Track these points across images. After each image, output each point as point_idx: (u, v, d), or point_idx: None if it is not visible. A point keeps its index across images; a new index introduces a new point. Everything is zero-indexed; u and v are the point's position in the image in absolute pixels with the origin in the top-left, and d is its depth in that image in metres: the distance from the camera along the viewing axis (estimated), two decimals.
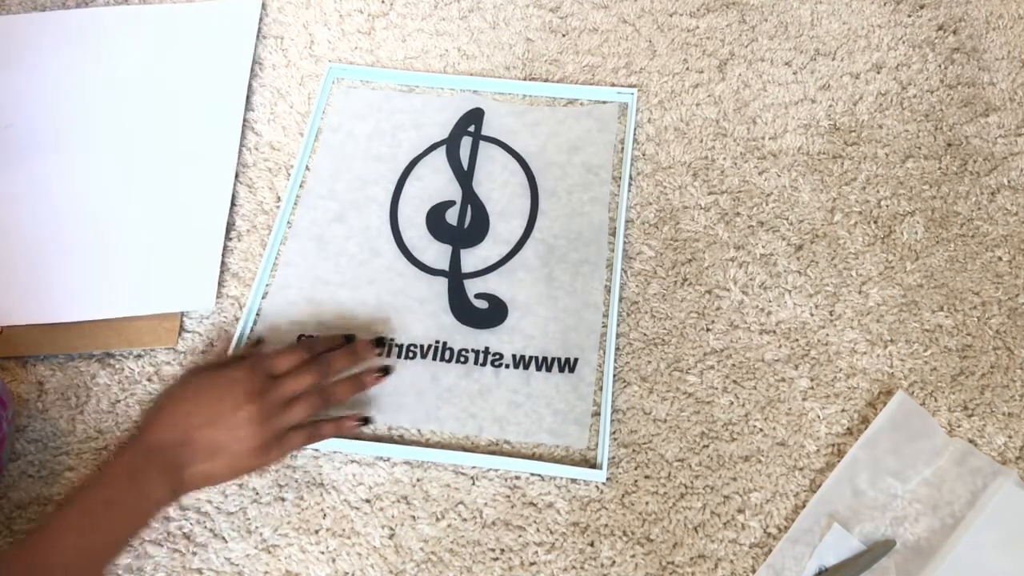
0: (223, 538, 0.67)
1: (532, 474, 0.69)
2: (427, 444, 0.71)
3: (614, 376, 0.73)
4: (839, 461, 0.68)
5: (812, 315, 0.76)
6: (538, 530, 0.67)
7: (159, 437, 0.60)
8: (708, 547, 0.66)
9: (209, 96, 0.88)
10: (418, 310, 0.77)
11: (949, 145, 0.85)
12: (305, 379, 0.67)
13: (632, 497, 0.68)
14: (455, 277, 0.79)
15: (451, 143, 0.87)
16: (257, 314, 0.77)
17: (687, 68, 0.91)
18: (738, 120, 0.87)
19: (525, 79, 0.90)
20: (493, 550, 0.66)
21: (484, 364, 0.74)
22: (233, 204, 0.83)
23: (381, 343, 0.74)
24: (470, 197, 0.83)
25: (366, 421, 0.71)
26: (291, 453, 0.68)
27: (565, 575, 0.65)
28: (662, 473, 0.69)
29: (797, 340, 0.75)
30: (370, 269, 0.80)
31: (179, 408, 0.62)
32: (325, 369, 0.69)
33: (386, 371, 0.72)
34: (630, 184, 0.83)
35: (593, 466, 0.69)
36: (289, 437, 0.65)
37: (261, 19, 0.96)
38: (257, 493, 0.69)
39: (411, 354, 0.75)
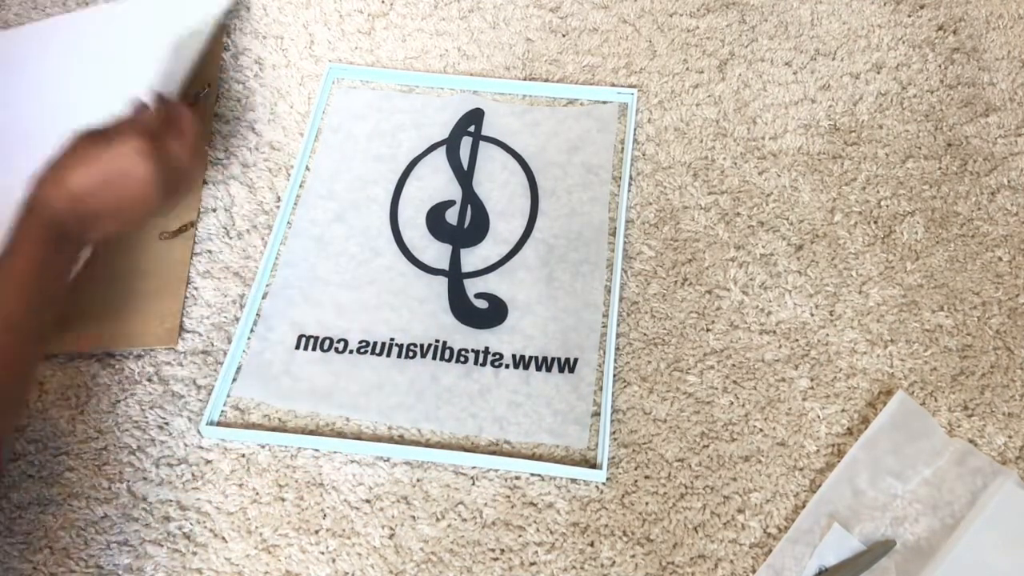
0: (223, 538, 0.67)
1: (532, 474, 0.69)
2: (427, 444, 0.71)
3: (614, 376, 0.73)
4: (839, 461, 0.68)
5: (812, 315, 0.76)
6: (538, 530, 0.67)
7: (52, 204, 0.63)
8: (708, 547, 0.66)
9: None
10: (418, 310, 0.77)
11: (949, 145, 0.85)
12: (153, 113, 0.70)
13: (632, 497, 0.68)
14: (455, 277, 0.79)
15: (451, 143, 0.87)
16: (258, 314, 0.77)
17: (687, 68, 0.91)
18: (738, 120, 0.87)
19: (525, 79, 0.90)
20: (493, 550, 0.66)
21: (484, 364, 0.74)
22: (233, 204, 0.83)
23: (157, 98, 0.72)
24: (470, 197, 0.83)
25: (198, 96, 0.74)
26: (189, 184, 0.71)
27: (565, 575, 0.65)
28: (662, 473, 0.69)
29: (797, 340, 0.75)
30: (370, 269, 0.80)
31: (72, 175, 0.64)
32: (168, 109, 0.71)
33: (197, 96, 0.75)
34: (630, 184, 0.83)
35: (593, 466, 0.69)
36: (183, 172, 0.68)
37: (260, 19, 0.96)
38: (257, 493, 0.69)
39: (411, 354, 0.75)
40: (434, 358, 0.75)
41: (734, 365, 0.74)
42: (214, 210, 0.83)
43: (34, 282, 0.61)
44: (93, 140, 0.65)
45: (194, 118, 0.71)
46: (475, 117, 0.88)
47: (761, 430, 0.71)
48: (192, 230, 0.81)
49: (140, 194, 0.65)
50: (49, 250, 0.62)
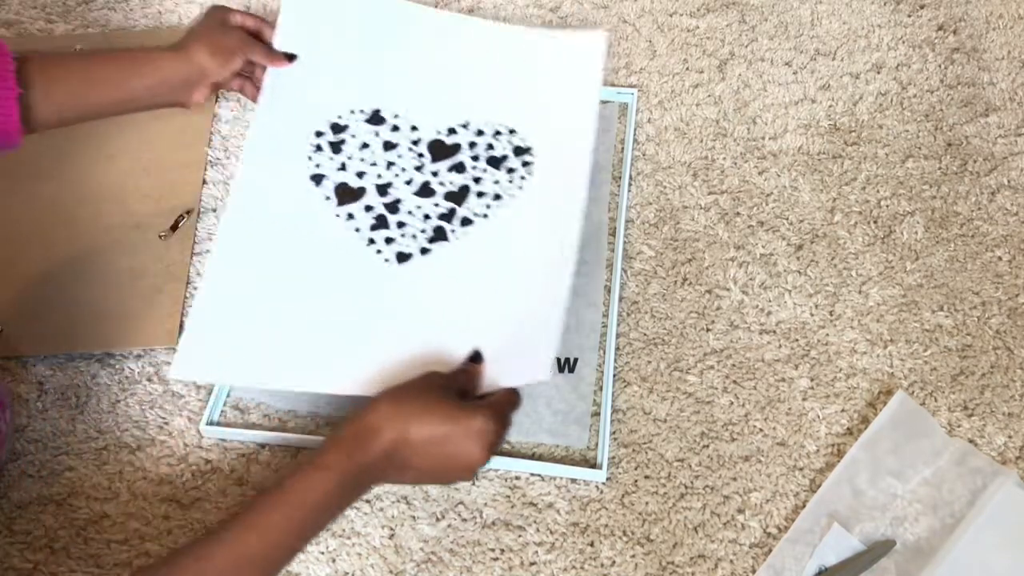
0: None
1: (532, 474, 0.69)
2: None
3: (614, 376, 0.73)
4: (839, 461, 0.68)
5: (812, 315, 0.76)
6: (538, 530, 0.67)
7: (376, 465, 0.58)
8: (708, 547, 0.66)
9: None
10: None
11: (949, 145, 0.85)
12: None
13: (632, 497, 0.68)
14: None
15: None
16: None
17: (687, 68, 0.91)
18: (738, 120, 0.87)
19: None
20: (493, 550, 0.66)
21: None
22: None
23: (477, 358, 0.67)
24: None
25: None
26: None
27: (565, 575, 0.65)
28: (662, 473, 0.69)
29: (797, 340, 0.75)
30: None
31: (415, 423, 0.58)
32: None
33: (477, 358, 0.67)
34: (630, 184, 0.83)
35: (593, 466, 0.69)
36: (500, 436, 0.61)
37: None
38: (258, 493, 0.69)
39: None
40: None
41: (734, 365, 0.74)
42: (214, 210, 0.83)
43: (312, 514, 0.55)
44: (448, 397, 0.60)
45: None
46: None
47: (761, 430, 0.71)
48: (188, 220, 0.81)
49: (463, 473, 0.60)
50: (346, 483, 0.56)
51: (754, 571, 0.65)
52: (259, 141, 0.78)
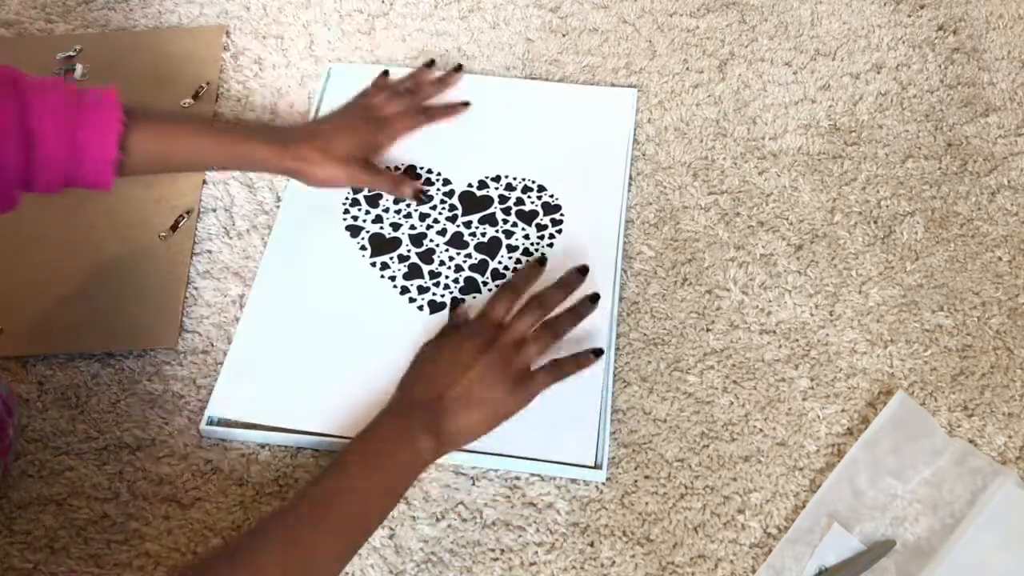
0: (223, 538, 0.67)
1: (532, 474, 0.69)
2: None
3: (614, 376, 0.73)
4: (839, 461, 0.68)
5: (812, 315, 0.76)
6: (538, 530, 0.67)
7: (415, 396, 0.64)
8: (708, 547, 0.66)
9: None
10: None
11: (949, 145, 0.85)
12: (527, 319, 0.68)
13: (632, 497, 0.68)
14: None
15: None
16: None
17: (687, 68, 0.91)
18: (738, 120, 0.87)
19: (525, 79, 0.90)
20: (493, 550, 0.66)
21: None
22: (233, 204, 0.83)
23: (584, 270, 0.73)
24: None
25: (599, 353, 0.71)
26: (540, 392, 0.67)
27: (565, 575, 0.65)
28: (662, 473, 0.69)
29: (797, 340, 0.75)
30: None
31: (425, 370, 0.65)
32: (545, 306, 0.70)
33: (595, 298, 0.72)
34: (630, 184, 0.83)
35: (593, 466, 0.69)
36: (535, 378, 0.67)
37: (260, 19, 0.96)
38: (257, 493, 0.69)
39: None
40: None
41: (734, 365, 0.74)
42: (214, 210, 0.83)
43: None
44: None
45: (570, 318, 0.71)
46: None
47: (761, 430, 0.71)
48: (188, 220, 0.81)
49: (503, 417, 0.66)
50: (405, 437, 0.61)
51: (754, 571, 0.65)
52: (297, 194, 0.82)
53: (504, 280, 0.74)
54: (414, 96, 0.84)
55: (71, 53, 0.93)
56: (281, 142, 0.74)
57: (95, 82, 0.91)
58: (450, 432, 0.62)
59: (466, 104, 0.85)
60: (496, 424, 0.65)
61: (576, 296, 0.72)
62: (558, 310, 0.70)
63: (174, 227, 0.81)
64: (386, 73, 0.87)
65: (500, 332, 0.67)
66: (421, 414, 0.62)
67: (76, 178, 0.65)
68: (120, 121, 0.64)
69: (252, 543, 0.55)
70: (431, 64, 0.89)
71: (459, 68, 0.88)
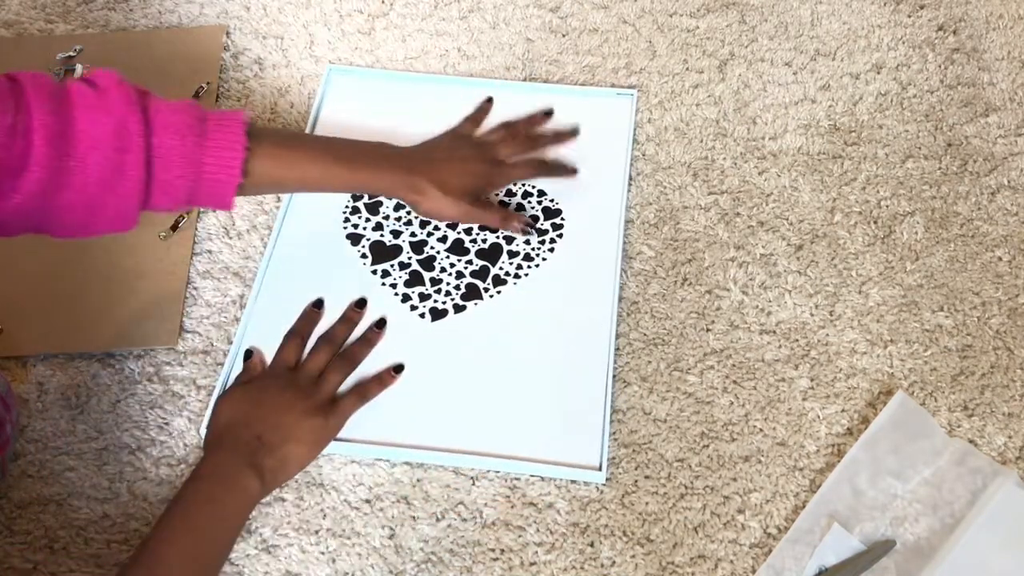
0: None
1: (532, 475, 0.69)
2: (427, 445, 0.71)
3: (614, 376, 0.73)
4: (839, 461, 0.68)
5: (812, 315, 0.76)
6: (538, 530, 0.67)
7: (230, 439, 0.65)
8: (708, 547, 0.66)
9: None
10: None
11: (949, 145, 0.85)
12: (320, 356, 0.72)
13: (632, 497, 0.68)
14: None
15: None
16: None
17: (687, 68, 0.91)
18: (738, 120, 0.87)
19: (525, 79, 0.90)
20: (493, 550, 0.66)
21: None
22: None
23: (361, 304, 0.76)
24: None
25: (400, 369, 0.73)
26: (349, 416, 0.70)
27: (565, 575, 0.65)
28: (662, 473, 0.69)
29: (797, 340, 0.75)
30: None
31: (236, 415, 0.67)
32: (332, 341, 0.74)
33: (381, 323, 0.75)
34: (630, 184, 0.83)
35: (596, 468, 0.69)
36: (340, 404, 0.70)
37: (260, 19, 0.96)
38: None
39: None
40: None
41: (734, 365, 0.74)
42: (214, 210, 0.83)
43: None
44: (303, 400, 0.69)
45: (361, 345, 0.74)
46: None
47: (761, 430, 0.71)
48: (188, 220, 0.81)
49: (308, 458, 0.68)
50: (229, 478, 0.63)
51: (754, 571, 0.65)
52: (298, 203, 0.82)
53: (289, 328, 0.75)
54: (534, 145, 0.82)
55: (71, 53, 0.93)
56: (402, 170, 0.74)
57: None
58: (273, 469, 0.64)
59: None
60: (319, 451, 0.68)
61: (361, 327, 0.75)
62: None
63: (174, 227, 0.81)
64: (490, 100, 0.87)
65: (297, 373, 0.71)
66: (241, 455, 0.64)
67: (197, 200, 0.65)
68: (244, 147, 0.64)
69: None
70: (489, 102, 0.87)
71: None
